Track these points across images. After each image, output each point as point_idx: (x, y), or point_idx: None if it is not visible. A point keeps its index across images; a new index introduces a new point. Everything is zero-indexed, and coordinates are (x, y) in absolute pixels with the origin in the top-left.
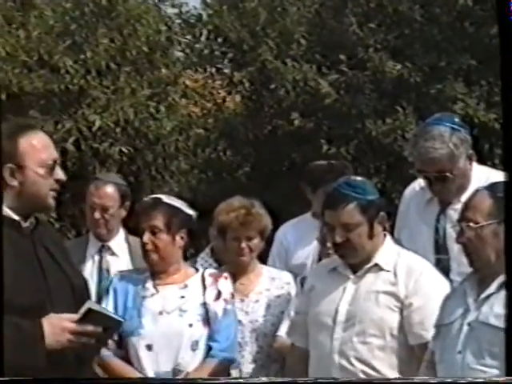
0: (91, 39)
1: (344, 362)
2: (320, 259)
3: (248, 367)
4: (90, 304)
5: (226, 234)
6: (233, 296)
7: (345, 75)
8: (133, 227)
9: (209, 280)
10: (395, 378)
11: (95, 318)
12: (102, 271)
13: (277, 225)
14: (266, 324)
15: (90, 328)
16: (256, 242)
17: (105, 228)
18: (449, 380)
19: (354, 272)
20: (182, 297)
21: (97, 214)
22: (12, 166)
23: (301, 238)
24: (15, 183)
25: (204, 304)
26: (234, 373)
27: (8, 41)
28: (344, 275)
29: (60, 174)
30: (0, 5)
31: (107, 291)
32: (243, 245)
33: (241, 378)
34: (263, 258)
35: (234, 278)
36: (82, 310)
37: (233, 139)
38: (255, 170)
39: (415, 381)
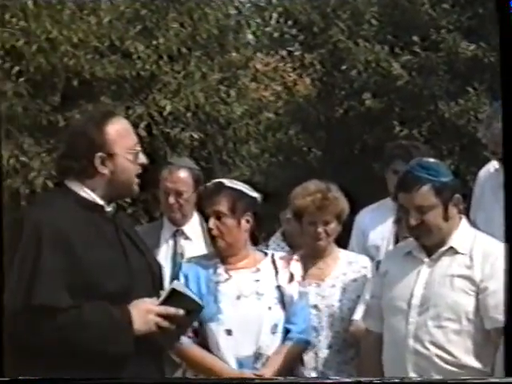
0: (162, 24)
1: (419, 347)
2: (397, 242)
3: (324, 352)
4: (174, 285)
5: (303, 218)
6: (304, 278)
7: (417, 56)
8: (201, 213)
9: (280, 263)
10: (395, 378)
11: (178, 300)
12: (177, 255)
13: (350, 208)
14: (343, 308)
15: (172, 310)
16: (333, 226)
17: (179, 212)
18: (449, 380)
19: (429, 255)
20: (257, 280)
21: (171, 199)
22: (102, 154)
23: (378, 221)
24: (106, 171)
25: (278, 287)
26: (310, 358)
27: (80, 27)
28: (419, 259)
29: (143, 158)
30: None
31: (177, 277)
32: (320, 229)
33: (244, 378)
34: (342, 242)
35: (311, 262)
36: (166, 291)
37: (304, 122)
38: (327, 153)
39: (415, 381)
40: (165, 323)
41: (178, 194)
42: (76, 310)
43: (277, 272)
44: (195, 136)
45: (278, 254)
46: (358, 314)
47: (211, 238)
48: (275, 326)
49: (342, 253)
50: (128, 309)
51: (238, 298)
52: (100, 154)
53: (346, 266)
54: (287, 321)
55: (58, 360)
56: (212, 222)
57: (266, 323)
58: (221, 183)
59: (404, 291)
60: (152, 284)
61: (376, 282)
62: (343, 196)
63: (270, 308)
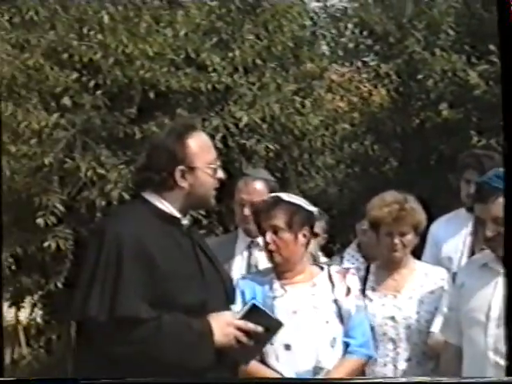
0: (237, 36)
1: (499, 360)
2: (473, 253)
3: (403, 364)
4: (255, 301)
5: (379, 229)
6: (363, 292)
7: (494, 65)
8: (257, 227)
9: (336, 277)
10: (395, 378)
11: (257, 317)
12: (251, 267)
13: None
14: (420, 320)
15: (252, 326)
16: (409, 237)
17: (254, 224)
18: (449, 380)
19: None
20: (313, 295)
21: (246, 211)
22: (183, 167)
23: (451, 232)
24: (185, 184)
25: (335, 301)
26: (389, 370)
27: (156, 40)
28: (495, 270)
29: (221, 173)
30: (147, 4)
31: (233, 294)
32: (396, 240)
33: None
34: (418, 253)
35: (386, 273)
36: (246, 306)
37: (380, 133)
38: (403, 164)
39: (416, 381)
40: (244, 338)
41: (254, 205)
42: (156, 322)
43: (333, 286)
44: (271, 147)
45: (334, 268)
46: (436, 327)
47: (267, 252)
48: (334, 339)
49: (418, 264)
50: (208, 321)
51: (295, 312)
52: (181, 167)
53: (422, 277)
54: (346, 335)
55: (138, 372)
56: (269, 237)
57: (324, 337)
58: (278, 197)
59: (481, 303)
60: (226, 299)
61: (453, 294)
62: (420, 207)
63: (327, 322)
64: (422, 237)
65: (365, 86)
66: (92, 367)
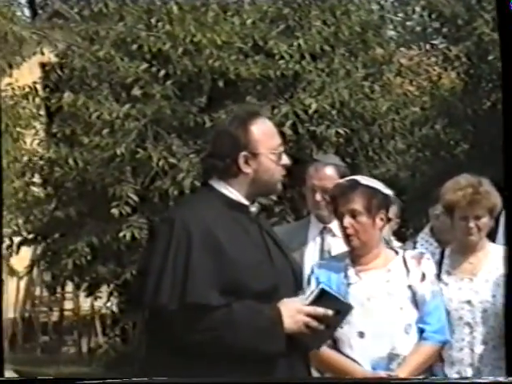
0: (304, 22)
1: None
2: None
3: (479, 348)
4: (323, 285)
5: (454, 213)
6: (438, 276)
7: None
8: (332, 211)
9: (411, 262)
10: (395, 378)
11: (327, 301)
12: (324, 253)
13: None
14: (497, 304)
15: (321, 310)
16: (485, 220)
17: (326, 210)
18: (450, 380)
19: None
20: (387, 281)
21: (318, 196)
22: (247, 153)
23: None
24: (249, 170)
25: (410, 287)
26: (466, 354)
27: (223, 29)
28: None
29: (286, 159)
30: None
31: (309, 281)
32: (471, 224)
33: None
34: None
35: (462, 257)
36: (315, 291)
37: (451, 116)
38: (475, 147)
39: (416, 381)
40: (314, 323)
41: (325, 191)
42: (226, 309)
43: (408, 271)
44: (341, 132)
45: (409, 253)
46: None
47: (345, 236)
48: (409, 325)
49: (493, 247)
50: (278, 307)
51: (369, 299)
52: (244, 153)
53: (499, 260)
54: (421, 320)
55: (209, 359)
56: (347, 221)
57: (398, 324)
58: (356, 181)
59: None
60: (295, 285)
61: None
62: (495, 190)
63: (401, 308)
64: (496, 219)
65: (434, 70)
66: (163, 357)
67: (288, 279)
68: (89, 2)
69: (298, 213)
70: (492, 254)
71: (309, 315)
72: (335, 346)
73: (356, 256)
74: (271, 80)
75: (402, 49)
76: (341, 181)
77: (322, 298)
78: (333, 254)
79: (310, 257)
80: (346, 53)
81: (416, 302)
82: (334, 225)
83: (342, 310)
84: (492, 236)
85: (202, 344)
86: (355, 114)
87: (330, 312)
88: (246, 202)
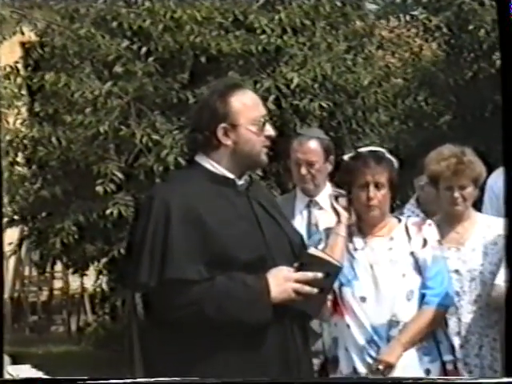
0: None
1: None
2: None
3: (467, 317)
4: (310, 249)
5: (438, 183)
6: (440, 242)
7: None
8: (348, 180)
9: (413, 229)
10: (395, 378)
11: (315, 264)
12: (311, 226)
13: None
14: (484, 272)
15: (311, 275)
16: (469, 190)
17: (312, 183)
18: (450, 380)
19: None
20: (390, 249)
21: (303, 170)
22: (226, 125)
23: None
24: (229, 142)
25: (412, 253)
26: (453, 323)
27: (203, 4)
28: None
29: (270, 130)
30: None
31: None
32: (456, 194)
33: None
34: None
35: (448, 227)
36: (302, 256)
37: (433, 87)
38: (457, 118)
39: (416, 381)
40: (305, 288)
41: (310, 164)
42: (209, 283)
43: (410, 238)
44: (324, 106)
45: (411, 220)
46: (501, 278)
47: (367, 206)
48: (411, 292)
49: (480, 216)
50: (265, 277)
51: (372, 266)
52: (223, 124)
53: (485, 229)
54: (423, 286)
55: (196, 333)
56: (372, 192)
57: (400, 290)
58: (382, 153)
59: None
60: (291, 253)
61: None
62: (478, 159)
63: (404, 275)
64: (481, 189)
65: (415, 41)
66: (153, 336)
67: (283, 249)
68: None
69: (284, 187)
70: (478, 224)
71: (298, 281)
72: (338, 309)
73: (364, 224)
74: (253, 55)
75: (382, 21)
76: (363, 150)
77: (310, 262)
78: (320, 227)
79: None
80: (327, 26)
81: (418, 268)
82: (320, 198)
83: (332, 270)
84: (477, 205)
85: (186, 319)
86: (338, 87)
87: (319, 275)
88: (230, 176)
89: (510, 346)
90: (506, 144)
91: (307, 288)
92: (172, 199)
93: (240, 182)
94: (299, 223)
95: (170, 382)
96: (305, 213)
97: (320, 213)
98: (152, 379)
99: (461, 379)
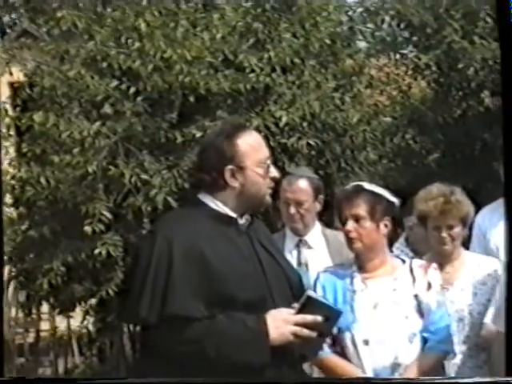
0: (274, 35)
1: None
2: None
3: (455, 358)
4: (309, 293)
5: (427, 223)
6: (442, 287)
7: None
8: (336, 216)
9: (418, 271)
10: (395, 378)
11: (315, 308)
12: (301, 266)
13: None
14: (473, 313)
15: (310, 318)
16: (457, 229)
17: (301, 222)
18: (450, 380)
19: None
20: (394, 289)
21: (292, 209)
22: (233, 167)
23: (498, 221)
24: (236, 184)
25: (416, 296)
26: (446, 364)
27: (193, 44)
28: None
29: (274, 171)
30: (183, 9)
31: (314, 288)
32: (444, 234)
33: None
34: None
35: (438, 267)
36: (302, 299)
37: (421, 125)
38: (446, 156)
39: (416, 381)
40: (304, 332)
41: (299, 203)
42: (210, 321)
43: (414, 280)
44: (312, 144)
45: (416, 262)
46: (489, 317)
47: (348, 240)
48: (413, 335)
49: (469, 255)
50: (264, 318)
51: (375, 307)
52: (230, 166)
53: (475, 268)
54: (425, 330)
55: (194, 371)
56: (350, 225)
57: (402, 332)
58: (360, 186)
59: None
60: (291, 294)
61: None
62: (467, 199)
63: (406, 317)
64: (470, 227)
65: (404, 79)
66: (149, 370)
67: (283, 289)
68: (58, 21)
69: (273, 226)
70: (468, 263)
71: (297, 324)
72: (340, 352)
73: (362, 262)
74: (242, 94)
75: (372, 59)
76: (346, 187)
77: (310, 305)
78: (310, 266)
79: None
80: (317, 65)
81: (421, 311)
82: (310, 237)
83: (332, 315)
84: (466, 244)
85: (184, 356)
86: (326, 125)
87: (318, 318)
88: (233, 215)
89: (510, 345)
90: (506, 145)
91: (306, 331)
92: (175, 236)
93: (242, 221)
94: None
95: (170, 382)
96: (294, 252)
97: (309, 252)
98: (152, 379)
99: (461, 379)
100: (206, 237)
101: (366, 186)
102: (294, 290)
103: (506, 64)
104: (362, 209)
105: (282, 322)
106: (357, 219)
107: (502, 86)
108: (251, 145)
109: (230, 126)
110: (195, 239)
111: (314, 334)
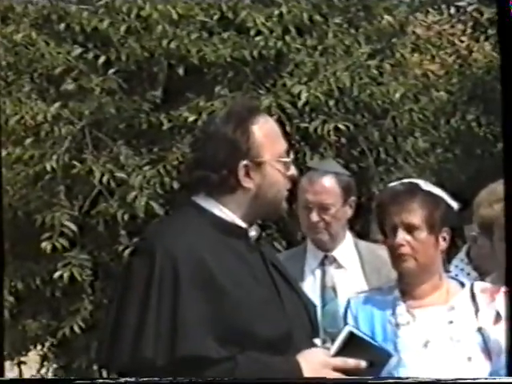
0: None
1: None
2: None
3: None
4: (351, 328)
5: (492, 232)
6: None
7: None
8: (375, 224)
9: (482, 297)
10: (395, 378)
11: (357, 348)
12: (327, 290)
13: None
14: None
15: (353, 362)
16: None
17: (326, 233)
18: (449, 380)
19: None
20: (451, 322)
21: (314, 216)
22: (248, 162)
23: None
24: (251, 185)
25: (480, 330)
26: None
27: None
28: None
29: (293, 169)
30: None
31: (345, 319)
32: None
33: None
34: None
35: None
36: (342, 336)
37: (487, 102)
38: None
39: (416, 381)
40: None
41: (323, 208)
42: (229, 363)
43: (477, 310)
44: (342, 129)
45: (479, 285)
46: None
47: (397, 257)
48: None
49: None
50: (296, 362)
51: (425, 345)
52: (245, 162)
53: None
54: (494, 375)
55: None
56: (402, 236)
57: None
58: (416, 185)
59: None
60: (310, 328)
61: None
62: None
63: (469, 359)
64: None
65: (462, 41)
66: None
67: (302, 322)
68: None
69: (292, 238)
70: None
71: (336, 370)
72: None
73: (408, 286)
74: (246, 64)
75: (417, 15)
76: (394, 184)
77: (352, 344)
78: (338, 291)
79: (309, 295)
80: (344, 23)
81: (488, 350)
82: (338, 252)
83: (378, 359)
84: None
85: None
86: (360, 104)
87: (363, 363)
88: (243, 225)
89: (510, 345)
90: (506, 145)
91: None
92: (179, 253)
93: (252, 233)
94: (311, 286)
95: (170, 382)
96: (318, 272)
97: (338, 272)
98: (151, 379)
99: (461, 379)
100: (214, 253)
101: (423, 184)
102: (313, 325)
103: (506, 64)
104: (417, 216)
105: (319, 366)
106: (409, 229)
107: (502, 85)
108: (268, 133)
109: (240, 108)
110: (203, 256)
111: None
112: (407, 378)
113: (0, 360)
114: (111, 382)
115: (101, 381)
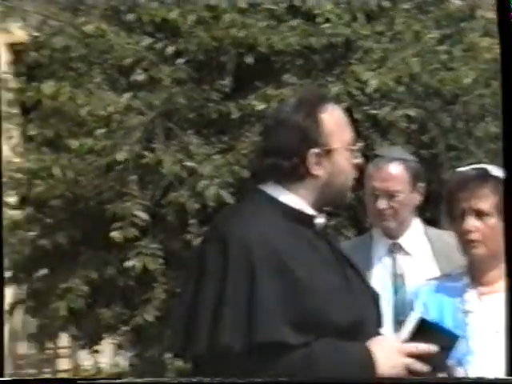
0: None
1: None
2: None
3: None
4: (420, 315)
5: None
6: None
7: None
8: (445, 210)
9: None
10: (395, 378)
11: (428, 334)
12: (397, 278)
13: None
14: None
15: (424, 347)
16: None
17: (394, 220)
18: (449, 380)
19: None
20: None
21: (381, 203)
22: (318, 151)
23: None
24: (320, 172)
25: None
26: None
27: None
28: None
29: (360, 157)
30: None
31: (414, 306)
32: None
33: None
34: None
35: None
36: (413, 324)
37: None
38: None
39: (416, 381)
40: (418, 365)
41: (390, 195)
42: (305, 350)
43: None
44: (412, 115)
45: None
46: None
47: (466, 243)
48: None
49: None
50: (368, 349)
51: (497, 332)
52: (315, 150)
53: None
54: None
55: None
56: (471, 222)
57: None
58: (485, 170)
59: None
60: (377, 315)
61: None
62: None
63: None
64: None
65: None
66: None
67: (371, 309)
68: None
69: (360, 225)
70: None
71: (410, 355)
72: None
73: (478, 272)
74: (315, 51)
75: None
76: (463, 169)
77: (422, 330)
78: (406, 279)
79: (379, 284)
80: (413, 8)
81: None
82: (405, 240)
83: (449, 343)
84: None
85: None
86: (430, 90)
87: (434, 348)
88: (311, 213)
89: (510, 345)
90: (506, 146)
91: (419, 365)
92: (252, 240)
93: (319, 220)
94: (380, 274)
95: (169, 382)
96: (387, 260)
97: (406, 259)
98: (151, 379)
99: (461, 379)
100: (285, 241)
101: (493, 170)
102: (379, 312)
103: (506, 64)
104: (487, 202)
105: (394, 352)
106: (479, 215)
107: (502, 85)
108: (337, 121)
109: (309, 96)
110: (274, 244)
111: (426, 368)
112: (408, 379)
113: (0, 360)
114: (112, 381)
115: (102, 381)
